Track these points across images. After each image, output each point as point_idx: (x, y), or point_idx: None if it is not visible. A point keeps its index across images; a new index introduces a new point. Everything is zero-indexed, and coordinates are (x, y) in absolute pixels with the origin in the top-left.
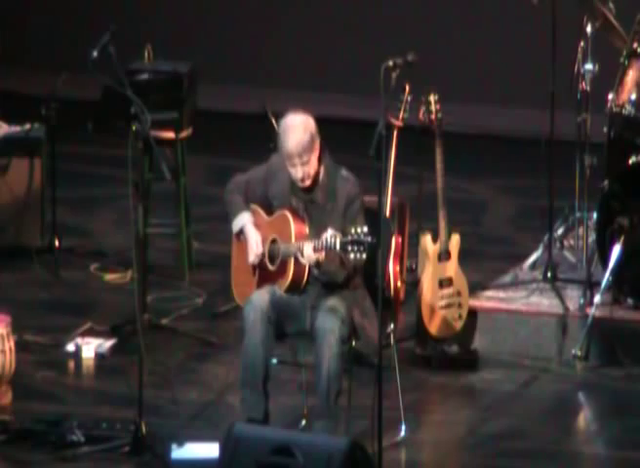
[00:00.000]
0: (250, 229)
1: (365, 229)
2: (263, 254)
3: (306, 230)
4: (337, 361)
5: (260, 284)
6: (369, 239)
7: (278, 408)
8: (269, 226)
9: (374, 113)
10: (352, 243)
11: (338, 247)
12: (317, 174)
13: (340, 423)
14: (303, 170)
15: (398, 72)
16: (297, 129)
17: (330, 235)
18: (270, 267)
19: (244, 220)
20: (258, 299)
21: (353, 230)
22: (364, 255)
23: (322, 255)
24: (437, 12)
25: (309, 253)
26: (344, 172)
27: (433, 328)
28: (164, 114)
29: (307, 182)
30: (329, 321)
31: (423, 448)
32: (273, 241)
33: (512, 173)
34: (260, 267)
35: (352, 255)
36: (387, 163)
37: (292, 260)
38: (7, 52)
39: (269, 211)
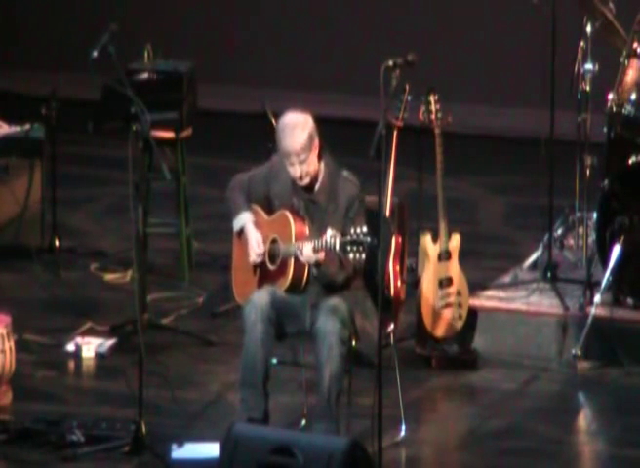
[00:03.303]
0: (250, 229)
1: (364, 229)
2: (264, 254)
3: (307, 230)
4: (337, 362)
5: (260, 283)
6: (368, 239)
7: (278, 408)
8: (270, 226)
9: (374, 113)
10: (351, 243)
11: (337, 247)
12: (317, 173)
13: (341, 424)
14: (302, 168)
15: (398, 72)
16: (294, 127)
17: (329, 235)
18: (271, 267)
19: (244, 220)
20: (258, 299)
21: (352, 230)
22: (363, 256)
23: (322, 256)
24: (437, 12)
25: (309, 252)
26: (346, 173)
27: (433, 327)
28: (164, 114)
29: (306, 180)
30: (330, 322)
31: (424, 448)
32: (273, 241)
33: (512, 172)
34: (260, 267)
35: (352, 256)
36: (387, 163)
37: (292, 260)
38: (7, 52)
39: (270, 210)
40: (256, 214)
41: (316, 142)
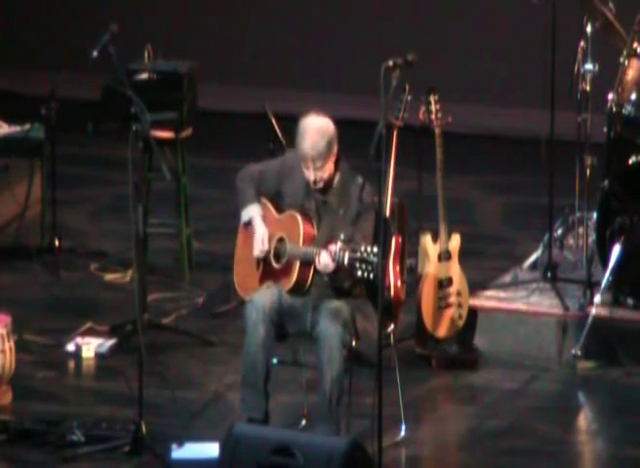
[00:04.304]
0: (258, 223)
1: (374, 250)
2: (269, 252)
3: (314, 233)
4: (339, 365)
5: (262, 279)
6: (376, 260)
7: (278, 408)
8: (278, 224)
9: (374, 113)
10: (360, 260)
11: (345, 262)
12: (332, 177)
13: (342, 427)
14: (316, 174)
15: (398, 72)
16: (315, 133)
17: (339, 248)
18: (275, 265)
19: (253, 212)
20: (260, 300)
21: (363, 248)
22: (371, 275)
23: (335, 265)
24: (437, 12)
25: (327, 261)
26: (360, 179)
27: (433, 328)
28: (164, 114)
29: (320, 185)
30: (332, 325)
31: (423, 448)
32: (280, 239)
33: (512, 172)
34: (264, 262)
35: (359, 273)
36: (387, 163)
37: (297, 262)
38: (7, 52)
39: (279, 206)
40: (265, 208)
41: (334, 150)
